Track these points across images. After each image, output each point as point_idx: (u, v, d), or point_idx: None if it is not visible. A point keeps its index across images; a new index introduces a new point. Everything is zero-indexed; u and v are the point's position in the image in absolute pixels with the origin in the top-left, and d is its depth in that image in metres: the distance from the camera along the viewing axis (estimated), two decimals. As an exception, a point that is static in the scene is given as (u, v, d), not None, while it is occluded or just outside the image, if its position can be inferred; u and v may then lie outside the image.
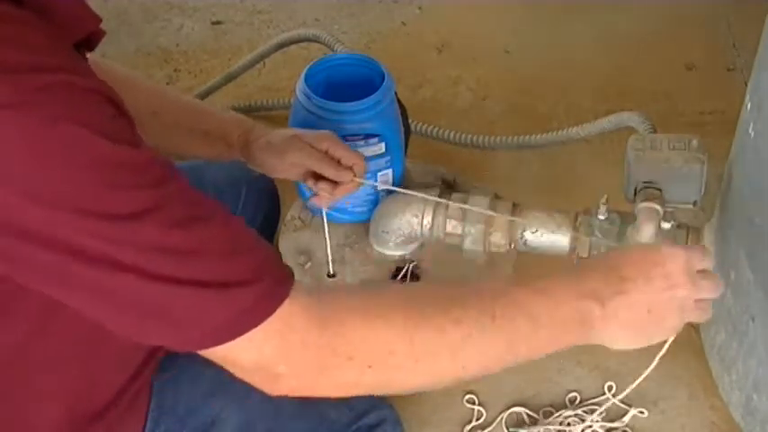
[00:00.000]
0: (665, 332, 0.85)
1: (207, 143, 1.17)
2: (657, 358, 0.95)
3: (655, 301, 0.82)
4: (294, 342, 0.73)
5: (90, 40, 0.77)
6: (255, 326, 0.70)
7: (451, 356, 0.77)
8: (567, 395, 1.34)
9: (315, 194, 1.19)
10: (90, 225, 0.63)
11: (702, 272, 0.85)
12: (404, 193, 1.28)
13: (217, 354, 0.72)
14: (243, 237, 0.73)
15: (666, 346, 0.90)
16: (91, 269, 0.65)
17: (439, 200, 1.30)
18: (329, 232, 1.28)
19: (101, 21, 0.79)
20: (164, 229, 0.66)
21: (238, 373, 0.75)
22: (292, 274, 0.74)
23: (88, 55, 0.79)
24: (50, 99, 0.61)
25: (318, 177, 1.16)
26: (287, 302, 0.72)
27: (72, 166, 0.62)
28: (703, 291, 0.84)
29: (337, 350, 0.74)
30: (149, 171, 0.67)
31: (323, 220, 1.25)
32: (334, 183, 1.16)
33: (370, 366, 0.75)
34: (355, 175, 1.16)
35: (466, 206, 1.28)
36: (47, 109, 0.61)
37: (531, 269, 1.47)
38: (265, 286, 0.71)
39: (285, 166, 1.16)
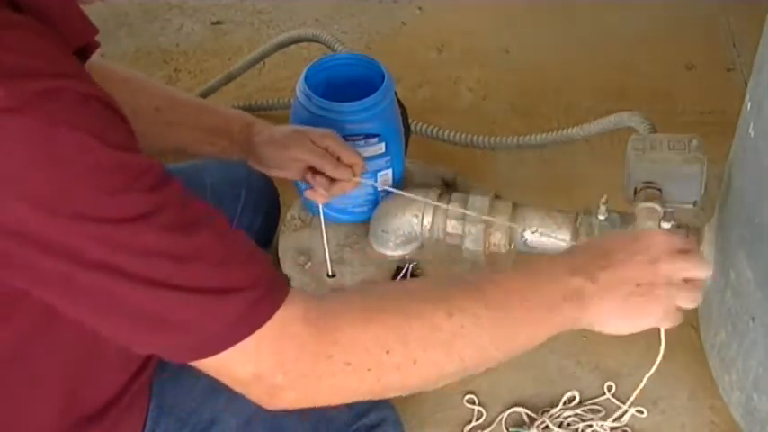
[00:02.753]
0: (657, 313, 0.84)
1: (209, 139, 1.17)
2: (659, 359, 0.94)
3: (641, 275, 0.82)
4: (290, 350, 0.72)
5: (85, 49, 0.78)
6: (250, 333, 0.70)
7: (447, 351, 0.77)
8: (566, 395, 1.34)
9: (311, 188, 1.19)
10: (86, 229, 0.63)
11: (686, 252, 0.85)
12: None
13: (212, 365, 0.71)
14: (238, 244, 0.73)
15: (662, 351, 0.90)
16: (86, 273, 0.65)
17: (435, 203, 1.30)
18: (328, 232, 1.28)
19: (98, 32, 0.80)
20: (160, 233, 0.66)
21: (236, 387, 0.74)
22: (287, 282, 0.74)
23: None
24: (50, 104, 0.61)
25: (317, 173, 1.17)
26: (281, 310, 0.71)
27: (70, 171, 0.62)
28: (688, 266, 0.84)
29: (334, 356, 0.73)
30: (146, 176, 0.67)
31: (320, 218, 1.25)
32: (332, 180, 1.17)
33: (368, 370, 0.75)
34: (354, 175, 1.17)
35: (463, 210, 1.28)
36: (47, 113, 0.61)
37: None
38: (260, 293, 0.71)
39: (286, 162, 1.16)
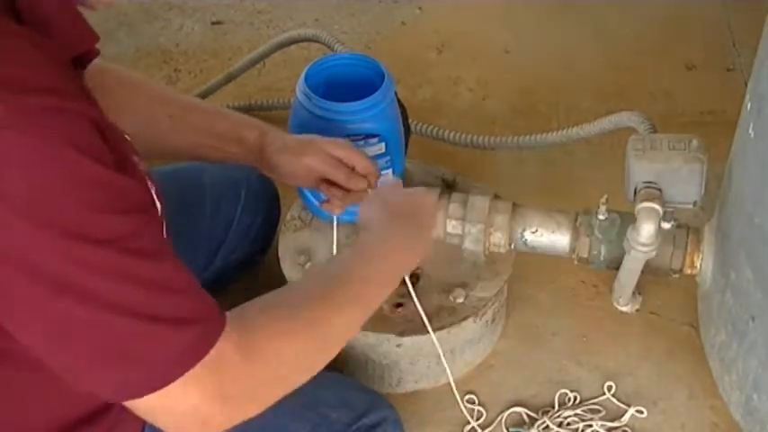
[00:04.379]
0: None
1: (222, 146, 1.17)
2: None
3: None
4: (227, 376, 0.74)
5: (85, 57, 0.78)
6: (196, 363, 0.71)
7: (344, 335, 0.89)
8: (567, 395, 1.34)
9: (326, 200, 1.19)
10: (58, 244, 0.64)
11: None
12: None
13: (151, 402, 0.71)
14: (190, 276, 0.74)
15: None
16: (43, 288, 0.65)
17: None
18: (328, 232, 1.28)
19: (98, 39, 0.80)
20: (125, 256, 0.67)
21: (169, 421, 0.75)
22: (224, 313, 0.76)
23: (103, 62, 0.80)
24: (46, 121, 0.63)
25: (331, 184, 1.16)
26: (220, 339, 0.73)
27: (60, 186, 0.64)
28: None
29: (265, 374, 0.77)
30: (129, 197, 0.69)
31: (333, 226, 1.25)
32: (347, 190, 1.16)
33: (292, 376, 0.81)
34: (370, 185, 1.16)
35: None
36: (43, 131, 0.63)
37: (531, 269, 1.47)
38: (207, 324, 0.73)
39: (299, 171, 1.16)
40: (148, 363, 0.70)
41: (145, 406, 0.72)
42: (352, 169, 1.16)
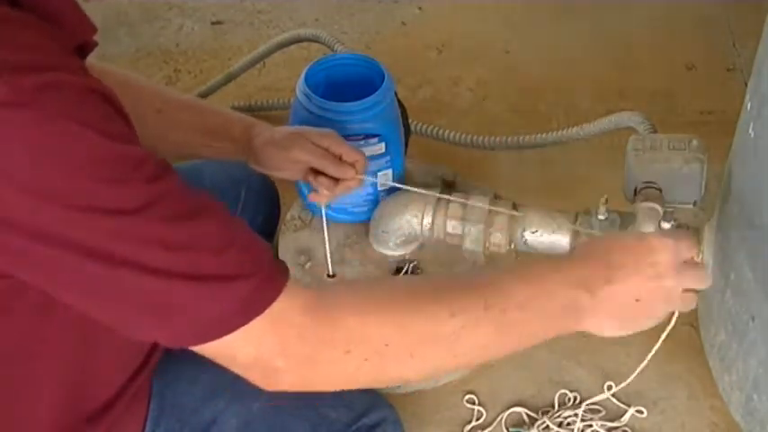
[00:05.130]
0: (652, 321, 0.86)
1: (210, 140, 1.17)
2: (653, 351, 0.95)
3: (643, 291, 0.83)
4: (291, 336, 0.73)
5: (83, 48, 0.78)
6: (250, 320, 0.71)
7: (446, 348, 0.78)
8: (567, 395, 1.34)
9: (314, 191, 1.19)
10: (86, 219, 0.64)
11: (690, 262, 0.86)
12: (405, 191, 1.28)
13: (212, 349, 0.72)
14: (237, 231, 0.73)
15: (659, 341, 0.91)
16: (86, 263, 0.65)
17: (440, 195, 1.30)
18: (329, 232, 1.28)
19: (96, 30, 0.80)
20: (159, 223, 0.67)
21: (236, 369, 0.75)
22: (287, 270, 0.75)
23: (91, 59, 0.80)
24: (48, 98, 0.62)
25: (319, 174, 1.17)
26: (282, 296, 0.73)
27: (69, 162, 0.63)
28: (690, 281, 0.85)
29: (334, 344, 0.75)
30: (144, 167, 0.68)
31: (323, 219, 1.25)
32: (335, 180, 1.16)
33: (366, 359, 0.76)
34: (357, 173, 1.16)
35: (467, 202, 1.28)
36: (45, 107, 0.62)
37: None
38: (260, 280, 0.72)
39: (287, 163, 1.16)
40: (200, 319, 0.70)
41: (207, 352, 0.73)
42: (340, 158, 1.16)
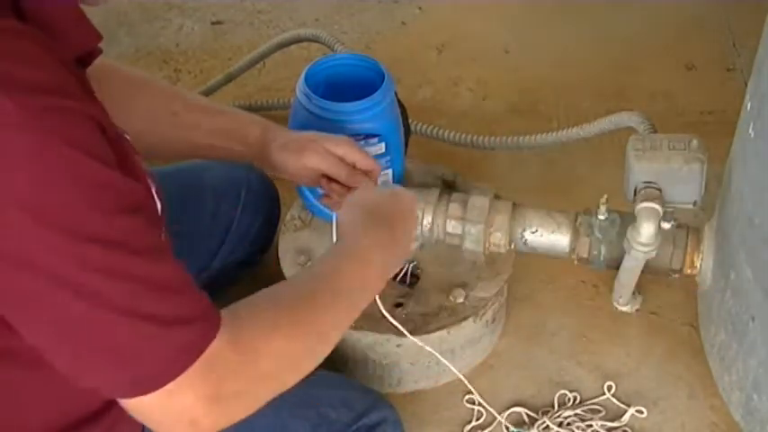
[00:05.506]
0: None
1: (224, 143, 1.18)
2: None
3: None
4: (220, 377, 0.74)
5: (88, 56, 0.78)
6: (194, 362, 0.71)
7: (330, 334, 0.87)
8: (566, 395, 1.34)
9: (325, 194, 1.19)
10: (67, 244, 0.65)
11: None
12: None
13: (144, 401, 0.72)
14: (187, 276, 0.74)
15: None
16: (45, 287, 0.66)
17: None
18: (330, 232, 1.27)
19: (101, 38, 0.80)
20: (133, 258, 0.68)
21: (161, 423, 0.75)
22: (219, 314, 0.76)
23: (106, 60, 0.81)
24: (54, 122, 0.64)
25: (332, 180, 1.16)
26: (216, 337, 0.73)
27: (67, 187, 0.65)
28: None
29: (258, 372, 0.77)
30: (131, 198, 0.69)
31: (332, 224, 1.24)
32: (347, 187, 1.16)
33: (282, 375, 0.80)
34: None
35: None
36: (50, 131, 0.63)
37: (531, 269, 1.47)
38: (208, 323, 0.73)
39: (300, 170, 1.16)
40: (146, 363, 0.70)
41: (137, 404, 0.72)
42: (354, 166, 1.15)
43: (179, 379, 0.71)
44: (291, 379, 0.82)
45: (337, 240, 0.98)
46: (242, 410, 0.78)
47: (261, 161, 1.18)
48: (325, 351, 0.86)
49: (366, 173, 1.16)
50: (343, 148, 1.15)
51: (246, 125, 1.18)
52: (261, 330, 0.78)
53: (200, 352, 0.72)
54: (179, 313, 0.71)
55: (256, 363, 0.77)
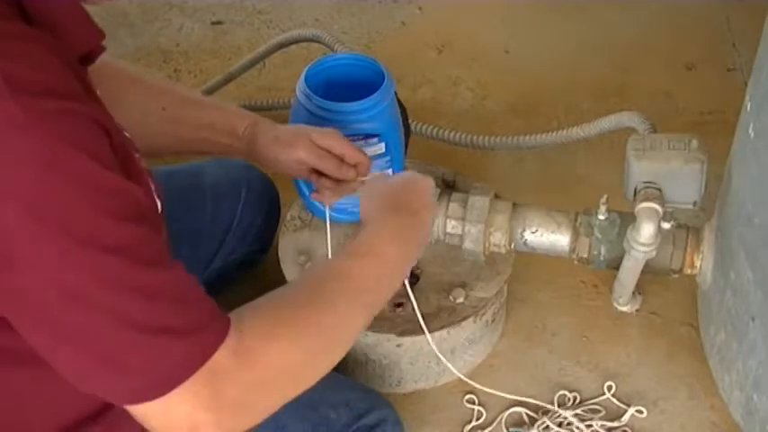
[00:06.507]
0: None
1: (214, 137, 1.17)
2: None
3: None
4: (222, 385, 0.73)
5: (91, 54, 0.78)
6: (195, 372, 0.71)
7: (342, 337, 0.85)
8: (567, 395, 1.34)
9: (316, 191, 1.19)
10: (71, 249, 0.65)
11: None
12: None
13: (148, 407, 0.71)
14: (193, 284, 0.74)
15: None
16: (49, 292, 0.66)
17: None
18: (330, 232, 1.28)
19: (104, 36, 0.80)
20: (137, 266, 0.68)
21: (160, 429, 0.74)
22: (226, 320, 0.75)
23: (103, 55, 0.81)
24: (61, 125, 0.64)
25: (322, 174, 1.16)
26: (220, 347, 0.73)
27: (73, 192, 0.64)
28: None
29: (260, 382, 0.76)
30: (136, 204, 0.69)
31: (326, 218, 1.25)
32: (338, 180, 1.16)
33: (288, 383, 0.80)
34: (359, 175, 1.15)
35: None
36: (58, 134, 0.63)
37: (531, 269, 1.47)
38: (209, 333, 0.72)
39: (290, 163, 1.15)
40: (149, 372, 0.70)
41: (141, 410, 0.72)
42: (342, 159, 1.15)
43: (181, 386, 0.71)
44: (299, 386, 0.81)
45: (362, 229, 0.96)
46: (246, 420, 0.77)
47: (251, 155, 1.18)
48: (335, 355, 0.84)
49: (354, 166, 1.15)
50: (328, 139, 1.14)
51: (234, 118, 1.18)
52: (261, 337, 0.77)
53: (205, 360, 0.71)
54: (183, 323, 0.71)
55: (258, 369, 0.76)
